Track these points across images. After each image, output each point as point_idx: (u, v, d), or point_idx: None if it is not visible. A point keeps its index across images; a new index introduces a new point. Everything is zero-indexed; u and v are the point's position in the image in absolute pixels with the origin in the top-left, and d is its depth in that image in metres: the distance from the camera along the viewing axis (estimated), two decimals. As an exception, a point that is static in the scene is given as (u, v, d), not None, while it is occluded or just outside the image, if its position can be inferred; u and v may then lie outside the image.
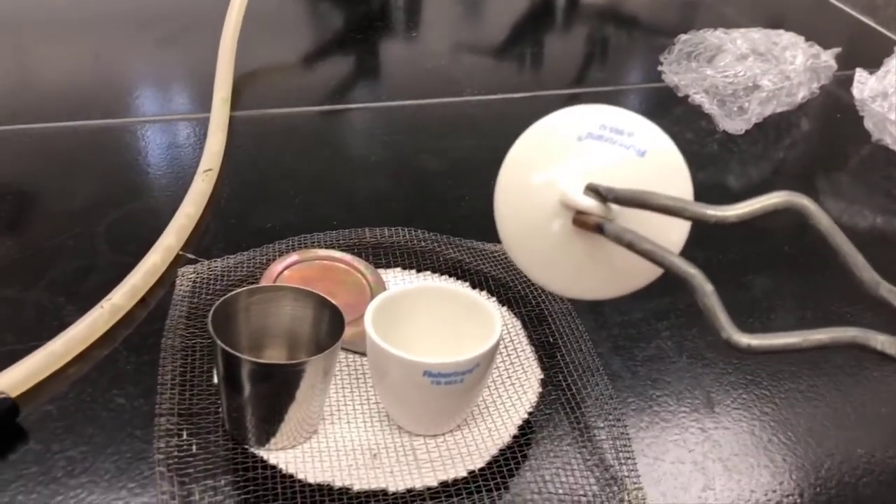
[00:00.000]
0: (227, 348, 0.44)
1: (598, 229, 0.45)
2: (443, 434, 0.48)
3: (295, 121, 0.87)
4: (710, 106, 0.88)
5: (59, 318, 0.58)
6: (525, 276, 0.61)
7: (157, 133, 0.82)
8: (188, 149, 0.79)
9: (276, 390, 0.45)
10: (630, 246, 0.43)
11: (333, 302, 0.47)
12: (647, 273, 0.47)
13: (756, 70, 0.88)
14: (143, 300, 0.59)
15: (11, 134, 0.82)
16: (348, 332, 0.47)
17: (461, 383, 0.45)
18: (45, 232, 0.67)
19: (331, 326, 0.47)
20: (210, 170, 0.72)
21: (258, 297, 0.49)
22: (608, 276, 0.49)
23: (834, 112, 0.93)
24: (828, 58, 0.91)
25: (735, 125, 0.86)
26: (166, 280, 0.61)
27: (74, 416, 0.51)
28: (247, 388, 0.45)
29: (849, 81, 0.90)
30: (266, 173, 0.77)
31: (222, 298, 0.47)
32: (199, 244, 0.66)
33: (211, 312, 0.45)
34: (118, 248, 0.65)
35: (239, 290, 0.48)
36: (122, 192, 0.73)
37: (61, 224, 0.68)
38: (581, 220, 0.46)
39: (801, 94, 0.89)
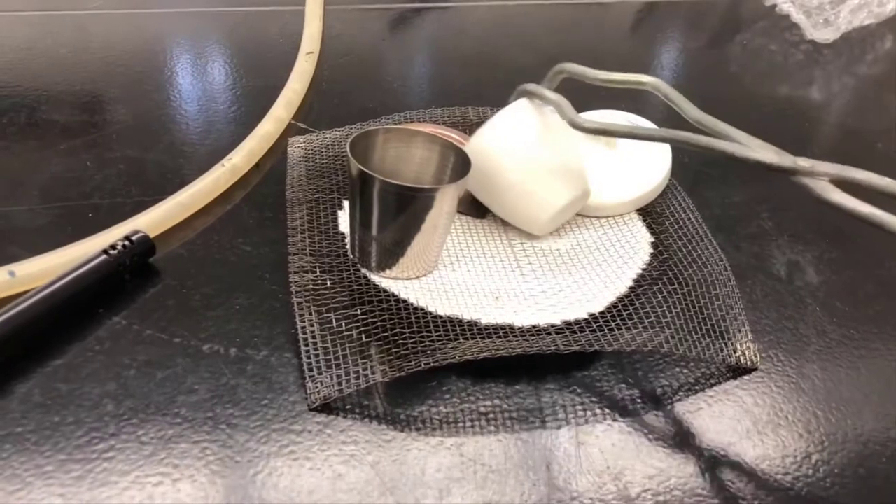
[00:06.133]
0: (366, 169, 0.46)
1: None
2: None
3: (386, 16, 0.88)
4: (797, 15, 0.88)
5: (180, 177, 0.60)
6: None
7: (256, 20, 0.84)
8: (287, 36, 0.80)
9: (407, 215, 0.47)
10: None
11: (459, 146, 0.49)
12: None
13: (846, -20, 0.87)
14: (257, 165, 0.62)
15: (121, 17, 0.85)
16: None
17: None
18: (158, 102, 0.69)
19: (455, 171, 0.50)
20: (311, 52, 0.74)
21: (393, 135, 0.51)
22: None
23: (922, 27, 0.93)
24: (919, -29, 0.91)
25: (823, 34, 0.86)
26: (277, 149, 0.64)
27: (204, 259, 0.53)
28: (378, 212, 0.47)
29: (938, -4, 0.89)
30: (363, 60, 0.79)
31: (360, 131, 0.49)
32: (305, 119, 0.68)
33: (349, 140, 0.47)
34: (230, 119, 0.68)
35: (377, 126, 0.50)
36: (226, 71, 0.76)
37: (171, 96, 0.70)
38: None
39: (891, 7, 0.88)
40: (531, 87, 0.54)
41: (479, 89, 0.75)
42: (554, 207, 0.52)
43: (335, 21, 0.85)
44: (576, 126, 0.50)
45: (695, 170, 0.64)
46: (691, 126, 0.48)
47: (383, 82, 0.75)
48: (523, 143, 0.52)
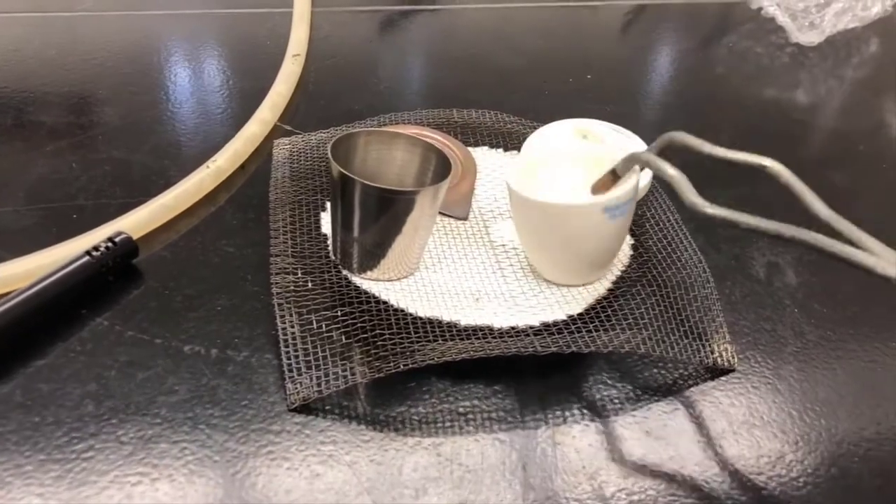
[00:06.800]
0: (347, 172, 0.46)
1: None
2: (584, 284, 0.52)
3: (374, 18, 0.89)
4: (783, 18, 0.88)
5: (165, 178, 0.60)
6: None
7: (243, 22, 0.85)
8: (275, 38, 0.81)
9: (388, 217, 0.48)
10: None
11: (440, 149, 0.50)
12: None
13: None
14: (242, 167, 0.62)
15: (110, 19, 0.86)
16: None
17: (625, 214, 0.49)
18: (145, 104, 0.70)
19: (436, 173, 0.50)
20: (298, 55, 0.75)
21: (374, 138, 0.51)
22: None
23: (906, 31, 0.93)
24: (903, -25, 0.91)
25: (808, 37, 0.87)
26: (262, 151, 0.64)
27: (187, 261, 0.54)
28: (359, 215, 0.48)
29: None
30: (350, 63, 0.79)
31: (342, 133, 0.49)
32: (291, 121, 0.68)
33: (331, 143, 0.48)
34: (215, 120, 0.68)
35: (358, 129, 0.50)
36: (214, 73, 0.76)
37: (159, 98, 0.71)
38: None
39: (875, 10, 0.89)
40: (646, 156, 0.48)
41: (467, 92, 0.75)
42: (584, 281, 0.52)
43: (323, 23, 0.85)
44: (696, 210, 0.43)
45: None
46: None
47: (370, 84, 0.75)
48: (616, 230, 0.50)
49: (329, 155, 0.47)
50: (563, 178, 0.52)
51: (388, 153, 0.51)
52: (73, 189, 0.59)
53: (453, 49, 0.85)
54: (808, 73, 0.85)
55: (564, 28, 0.92)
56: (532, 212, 0.49)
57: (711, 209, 0.43)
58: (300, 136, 0.64)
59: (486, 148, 0.64)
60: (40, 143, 0.64)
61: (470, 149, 0.63)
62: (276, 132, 0.66)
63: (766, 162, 0.46)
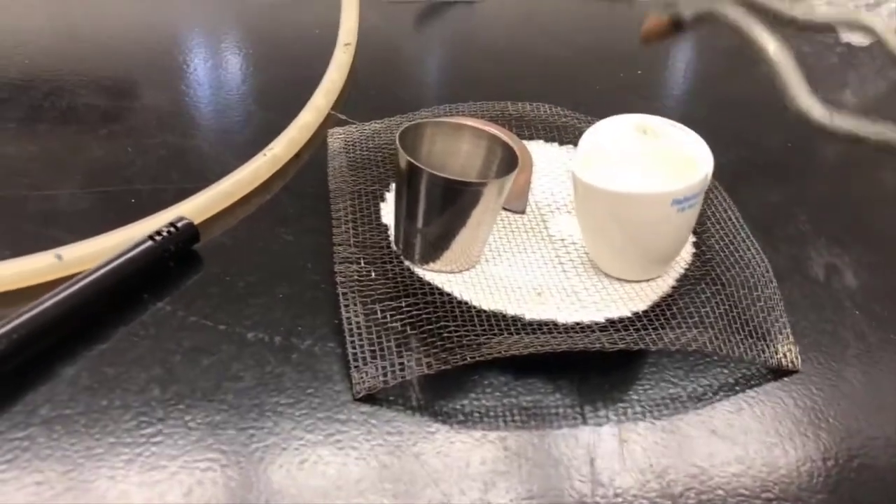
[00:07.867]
0: (414, 162, 0.46)
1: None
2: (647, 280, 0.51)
3: (420, 8, 0.88)
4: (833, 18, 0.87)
5: (220, 164, 0.60)
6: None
7: (288, 10, 0.85)
8: (323, 26, 0.80)
9: (453, 209, 0.48)
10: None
11: (507, 141, 0.50)
12: None
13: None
14: (297, 155, 0.62)
15: (160, 4, 0.85)
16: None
17: (693, 207, 0.48)
18: (196, 90, 0.70)
19: (501, 166, 0.50)
20: (349, 43, 0.74)
21: (440, 129, 0.51)
22: None
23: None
24: (956, -24, 0.90)
25: (859, 38, 0.86)
26: (316, 139, 0.64)
27: (246, 248, 0.54)
28: (424, 205, 0.48)
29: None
30: (399, 52, 0.79)
31: (409, 123, 0.49)
32: (343, 111, 0.68)
33: (398, 132, 0.48)
34: (268, 108, 0.68)
35: (425, 119, 0.50)
36: (266, 61, 0.76)
37: (209, 84, 0.71)
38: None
39: (928, 11, 0.88)
40: None
41: (513, 83, 0.75)
42: (646, 276, 0.51)
43: (370, 12, 0.84)
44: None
45: (732, 169, 0.64)
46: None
47: (418, 74, 0.75)
48: (683, 223, 0.50)
49: (397, 144, 0.47)
50: (623, 174, 0.52)
51: (454, 145, 0.51)
52: (128, 173, 0.59)
53: (499, 40, 0.85)
54: (858, 74, 0.84)
55: (605, 22, 0.92)
56: (598, 201, 0.49)
57: None
58: (354, 125, 0.64)
59: (541, 142, 0.64)
60: (95, 126, 0.64)
61: (525, 142, 0.63)
62: (328, 121, 0.66)
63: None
